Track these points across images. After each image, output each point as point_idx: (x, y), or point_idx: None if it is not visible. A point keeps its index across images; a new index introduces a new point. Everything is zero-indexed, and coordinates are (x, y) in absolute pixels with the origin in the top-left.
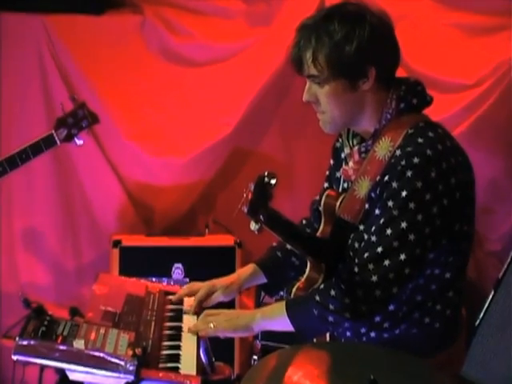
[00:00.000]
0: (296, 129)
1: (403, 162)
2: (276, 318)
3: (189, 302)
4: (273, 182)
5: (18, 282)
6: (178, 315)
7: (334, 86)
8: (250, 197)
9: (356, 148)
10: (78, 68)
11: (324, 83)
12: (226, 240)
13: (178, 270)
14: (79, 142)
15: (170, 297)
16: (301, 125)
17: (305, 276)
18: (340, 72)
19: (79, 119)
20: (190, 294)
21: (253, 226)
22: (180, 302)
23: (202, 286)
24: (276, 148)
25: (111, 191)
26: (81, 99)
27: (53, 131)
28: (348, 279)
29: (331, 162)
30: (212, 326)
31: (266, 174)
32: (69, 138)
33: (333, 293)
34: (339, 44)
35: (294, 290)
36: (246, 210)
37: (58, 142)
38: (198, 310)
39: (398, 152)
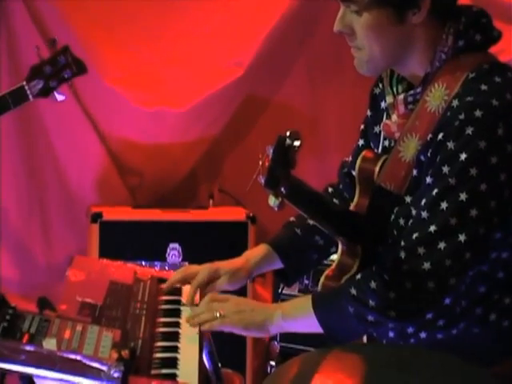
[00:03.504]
0: (324, 71)
1: (462, 116)
2: (300, 318)
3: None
4: (296, 144)
5: None
6: (174, 309)
7: (376, 16)
8: (268, 164)
9: (401, 97)
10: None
11: (363, 11)
12: (235, 214)
13: (174, 252)
14: (60, 97)
15: (165, 285)
16: (330, 66)
17: (335, 261)
18: None
19: (60, 68)
20: (185, 281)
21: (272, 200)
22: (177, 291)
23: (200, 269)
24: (298, 96)
25: (89, 152)
26: (61, 37)
27: (24, 83)
28: (392, 267)
29: (368, 112)
30: (218, 314)
31: (287, 134)
32: (45, 91)
33: (373, 285)
34: None
35: (322, 279)
36: (263, 181)
37: (31, 96)
38: (197, 302)
39: (456, 102)
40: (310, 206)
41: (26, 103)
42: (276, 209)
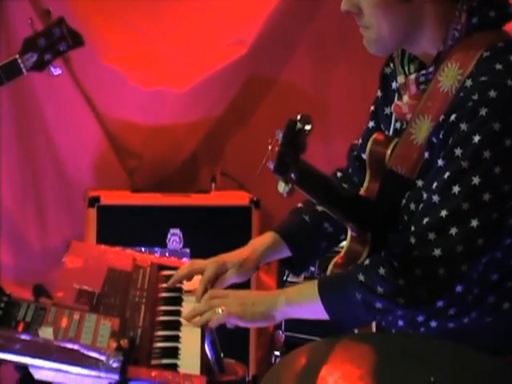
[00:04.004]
0: (331, 49)
1: (476, 97)
2: (305, 303)
3: (191, 282)
4: (307, 128)
5: None
6: (175, 297)
7: None
8: (277, 149)
9: (413, 77)
10: None
11: None
12: (238, 198)
13: (174, 238)
14: (56, 71)
15: (166, 272)
16: (338, 44)
17: (344, 248)
18: None
19: (55, 41)
20: (190, 276)
21: (281, 187)
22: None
23: (206, 264)
24: (304, 75)
25: (86, 133)
26: (56, 14)
27: (17, 56)
28: (402, 253)
29: (378, 93)
30: (220, 311)
31: (298, 117)
32: (40, 65)
33: (382, 271)
34: None
35: (330, 266)
36: (272, 166)
37: (24, 70)
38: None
39: (469, 82)
40: (320, 192)
41: (20, 79)
42: (286, 195)
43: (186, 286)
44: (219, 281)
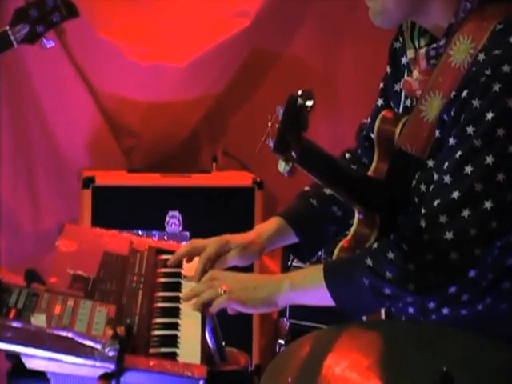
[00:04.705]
0: (339, 22)
1: (489, 72)
2: (310, 288)
3: (190, 266)
4: (309, 104)
5: None
6: (174, 282)
7: None
8: (277, 126)
9: (423, 51)
10: None
11: None
12: (240, 178)
13: (173, 220)
14: (49, 43)
15: (164, 257)
16: (346, 17)
17: (351, 232)
18: None
19: (48, 11)
20: (192, 255)
21: (282, 166)
22: (178, 265)
23: (209, 243)
24: (310, 50)
25: (80, 110)
26: None
27: (7, 28)
28: (412, 237)
29: (388, 69)
30: (222, 291)
31: (299, 92)
32: (32, 37)
33: (391, 255)
34: None
35: (336, 250)
36: (272, 144)
37: (15, 42)
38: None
39: (482, 56)
40: (324, 172)
41: (10, 52)
42: (286, 175)
43: (185, 270)
44: (220, 260)
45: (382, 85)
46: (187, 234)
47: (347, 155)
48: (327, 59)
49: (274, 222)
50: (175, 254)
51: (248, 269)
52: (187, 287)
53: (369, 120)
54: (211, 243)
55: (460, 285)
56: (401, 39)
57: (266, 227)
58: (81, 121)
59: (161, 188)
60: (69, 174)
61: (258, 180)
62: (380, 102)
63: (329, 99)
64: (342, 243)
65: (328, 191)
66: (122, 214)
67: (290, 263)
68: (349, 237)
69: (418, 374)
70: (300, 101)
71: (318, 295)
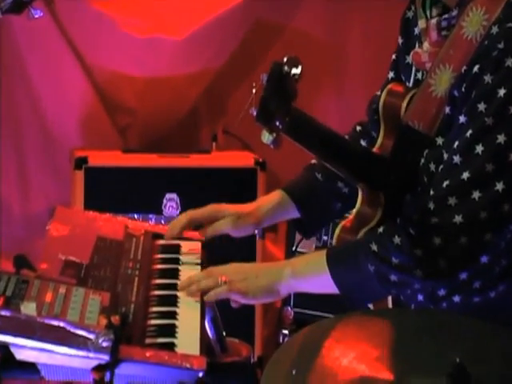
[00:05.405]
0: None
1: (501, 45)
2: (313, 276)
3: (189, 247)
4: (295, 71)
5: None
6: (172, 268)
7: None
8: (261, 95)
9: (434, 21)
10: None
11: None
12: (242, 159)
13: (171, 203)
14: (37, 13)
15: (161, 242)
16: None
17: (354, 211)
18: None
19: None
20: (191, 225)
21: (265, 136)
22: (175, 249)
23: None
24: (317, 21)
25: (72, 86)
26: None
27: None
28: (420, 220)
29: (400, 40)
30: (221, 282)
31: (284, 59)
32: (17, 7)
33: (397, 240)
34: None
35: (337, 231)
36: (255, 113)
37: (0, 12)
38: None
39: (495, 29)
40: (317, 144)
41: None
42: (271, 145)
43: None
44: (212, 226)
45: (394, 56)
46: None
47: (358, 128)
48: (334, 30)
49: (275, 195)
50: (171, 226)
51: (250, 255)
52: (186, 273)
53: (380, 93)
54: (207, 207)
55: (471, 271)
56: (413, 8)
57: (266, 200)
58: (72, 97)
59: (157, 169)
60: (60, 153)
61: (261, 160)
62: (391, 74)
63: (336, 73)
64: (343, 223)
65: None
66: (116, 197)
67: (294, 249)
68: (351, 216)
69: (429, 366)
70: (286, 68)
71: (322, 282)
